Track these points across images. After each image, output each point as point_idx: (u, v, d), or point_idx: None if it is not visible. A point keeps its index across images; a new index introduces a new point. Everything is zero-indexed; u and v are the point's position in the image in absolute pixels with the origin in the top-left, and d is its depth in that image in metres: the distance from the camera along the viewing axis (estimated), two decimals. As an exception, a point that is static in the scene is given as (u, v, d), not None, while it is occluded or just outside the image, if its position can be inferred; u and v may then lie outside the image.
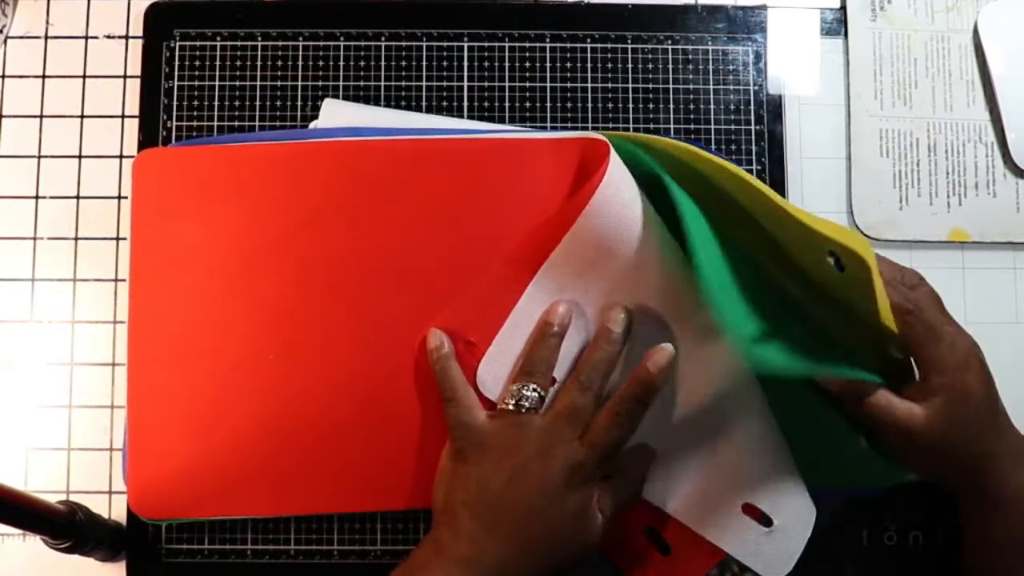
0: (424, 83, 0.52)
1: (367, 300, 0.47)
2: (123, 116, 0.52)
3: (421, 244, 0.47)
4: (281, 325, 0.47)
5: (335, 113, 0.51)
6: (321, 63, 0.52)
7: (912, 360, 0.44)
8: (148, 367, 0.47)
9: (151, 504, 0.47)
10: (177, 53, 0.52)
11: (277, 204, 0.47)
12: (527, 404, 0.43)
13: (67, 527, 0.45)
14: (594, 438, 0.43)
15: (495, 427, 0.43)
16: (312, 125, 0.51)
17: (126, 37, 0.53)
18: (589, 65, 0.53)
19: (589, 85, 0.52)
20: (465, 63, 0.53)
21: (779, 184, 0.52)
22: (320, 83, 0.52)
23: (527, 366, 0.45)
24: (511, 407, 0.43)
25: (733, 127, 0.52)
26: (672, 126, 0.52)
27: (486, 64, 0.53)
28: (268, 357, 0.47)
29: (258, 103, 0.52)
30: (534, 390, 0.44)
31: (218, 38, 0.53)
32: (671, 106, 0.52)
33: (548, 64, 0.53)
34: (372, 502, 0.47)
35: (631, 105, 0.52)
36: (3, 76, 0.53)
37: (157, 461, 0.47)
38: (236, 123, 0.52)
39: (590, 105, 0.52)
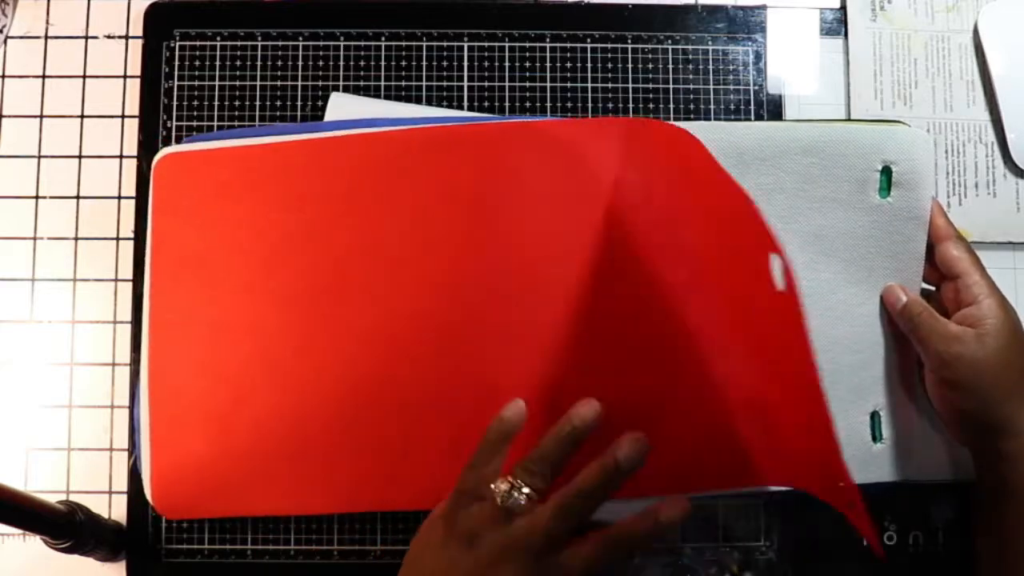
0: (424, 83, 0.52)
1: (386, 294, 0.46)
2: (123, 116, 0.52)
3: (441, 235, 0.46)
4: (300, 321, 0.47)
5: (342, 108, 0.51)
6: (321, 63, 0.52)
7: (955, 287, 0.45)
8: (168, 366, 0.47)
9: (174, 504, 0.47)
10: (177, 53, 0.52)
11: (295, 200, 0.47)
12: (512, 506, 0.39)
13: (67, 527, 0.45)
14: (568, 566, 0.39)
15: (480, 513, 0.40)
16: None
17: (126, 37, 0.53)
18: (589, 65, 0.53)
19: (589, 85, 0.52)
20: (465, 63, 0.53)
21: (779, 184, 0.52)
22: (320, 83, 0.52)
23: (530, 461, 0.40)
24: (497, 501, 0.39)
25: (733, 127, 0.52)
26: (672, 126, 0.52)
27: (486, 64, 0.53)
28: (287, 353, 0.47)
29: (258, 103, 0.52)
30: (525, 493, 0.39)
31: (218, 38, 0.53)
32: (671, 106, 0.52)
33: (548, 64, 0.53)
34: (391, 502, 0.47)
35: (631, 105, 0.52)
36: (3, 76, 0.53)
37: (179, 460, 0.47)
38: (236, 123, 0.52)
39: (590, 105, 0.52)
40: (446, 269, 0.46)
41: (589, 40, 0.53)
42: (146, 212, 0.49)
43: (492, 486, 0.40)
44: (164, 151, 0.48)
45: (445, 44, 0.53)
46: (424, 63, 0.53)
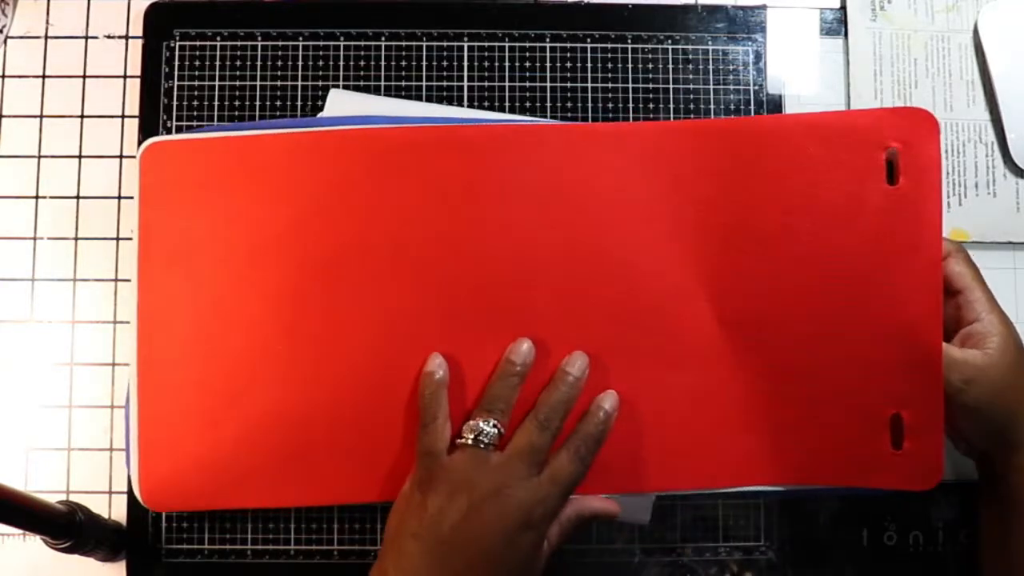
0: (424, 83, 0.52)
1: (377, 289, 0.46)
2: (123, 116, 0.52)
3: (432, 232, 0.46)
4: (290, 315, 0.47)
5: (341, 103, 0.51)
6: (321, 63, 0.52)
7: (956, 303, 0.45)
8: (157, 359, 0.47)
9: (162, 496, 0.47)
10: (177, 53, 0.52)
11: (285, 194, 0.47)
12: (485, 440, 0.43)
13: (67, 527, 0.45)
14: (559, 476, 0.43)
15: (454, 461, 0.43)
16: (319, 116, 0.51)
17: (126, 37, 0.53)
18: (589, 65, 0.53)
19: (589, 85, 0.52)
20: (465, 63, 0.53)
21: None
22: (320, 83, 0.52)
23: (486, 403, 0.44)
24: (469, 442, 0.43)
25: (733, 127, 0.52)
26: (672, 126, 0.52)
27: (486, 64, 0.53)
28: (277, 347, 0.46)
29: (258, 103, 0.52)
30: (493, 426, 0.43)
31: (218, 38, 0.53)
32: (671, 106, 0.52)
33: (548, 64, 0.53)
34: (383, 492, 0.47)
35: (631, 105, 0.52)
36: (3, 76, 0.53)
37: (167, 453, 0.47)
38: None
39: (590, 105, 0.52)
40: (436, 266, 0.46)
41: (589, 40, 0.53)
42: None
43: (464, 432, 0.43)
44: (150, 140, 0.47)
45: (445, 44, 0.53)
46: (424, 63, 0.53)
